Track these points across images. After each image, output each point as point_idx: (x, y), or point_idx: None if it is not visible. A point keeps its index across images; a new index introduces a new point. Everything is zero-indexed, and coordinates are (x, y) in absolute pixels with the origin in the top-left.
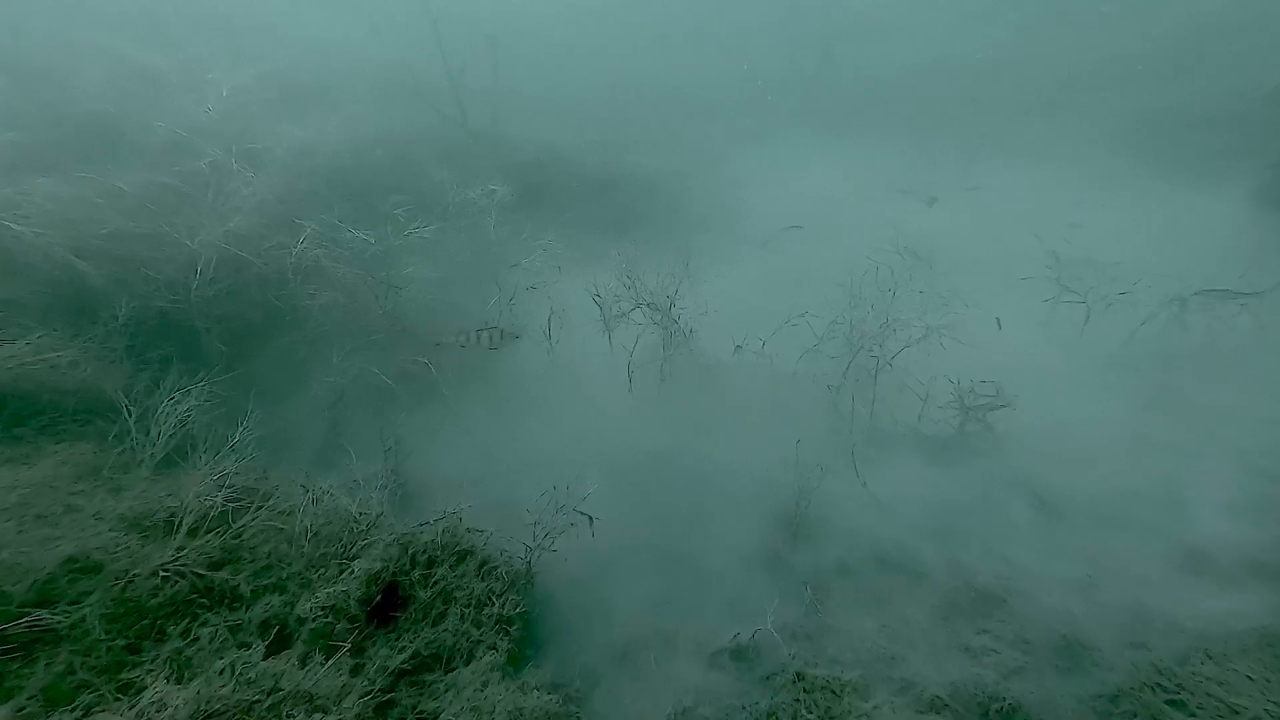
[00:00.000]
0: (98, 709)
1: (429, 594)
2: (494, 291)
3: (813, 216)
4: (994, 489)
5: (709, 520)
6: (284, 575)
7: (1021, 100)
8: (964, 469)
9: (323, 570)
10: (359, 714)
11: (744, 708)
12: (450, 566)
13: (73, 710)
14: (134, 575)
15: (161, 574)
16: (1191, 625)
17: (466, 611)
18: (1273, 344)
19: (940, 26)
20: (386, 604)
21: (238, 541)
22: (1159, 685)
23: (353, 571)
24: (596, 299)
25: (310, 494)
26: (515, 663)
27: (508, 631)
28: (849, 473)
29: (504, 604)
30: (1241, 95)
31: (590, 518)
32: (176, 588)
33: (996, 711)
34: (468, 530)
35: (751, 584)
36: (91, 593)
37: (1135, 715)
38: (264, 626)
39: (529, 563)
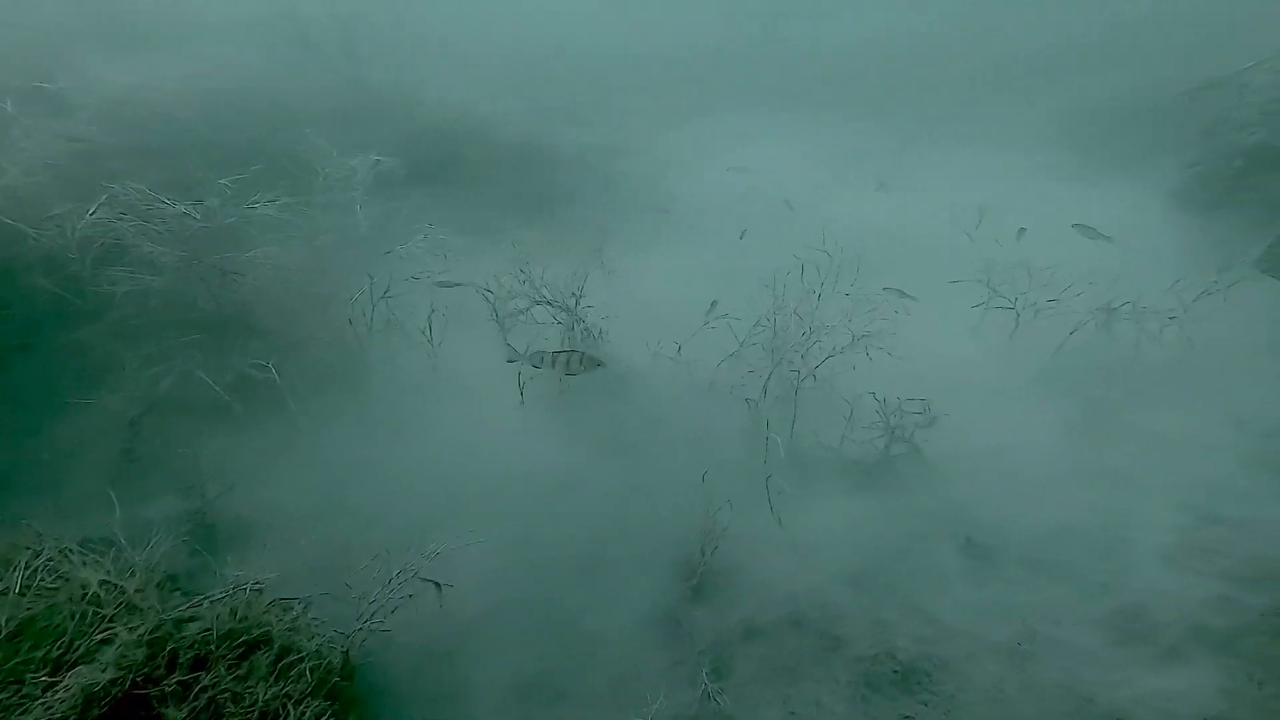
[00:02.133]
0: None
1: (184, 713)
2: (364, 281)
3: (749, 202)
4: (922, 524)
5: (602, 569)
6: None
7: (962, 87)
8: (890, 500)
9: (15, 689)
10: None
11: None
12: (230, 665)
13: None
14: None
15: None
16: (1134, 711)
17: None
18: (1201, 362)
19: (885, 8)
20: None
21: None
22: None
23: (57, 691)
24: (487, 294)
25: (37, 557)
26: None
27: None
28: (764, 507)
29: (304, 715)
30: (1164, 90)
31: (438, 585)
32: None
33: None
34: (271, 605)
35: (643, 655)
36: None
37: None
38: None
39: (345, 652)
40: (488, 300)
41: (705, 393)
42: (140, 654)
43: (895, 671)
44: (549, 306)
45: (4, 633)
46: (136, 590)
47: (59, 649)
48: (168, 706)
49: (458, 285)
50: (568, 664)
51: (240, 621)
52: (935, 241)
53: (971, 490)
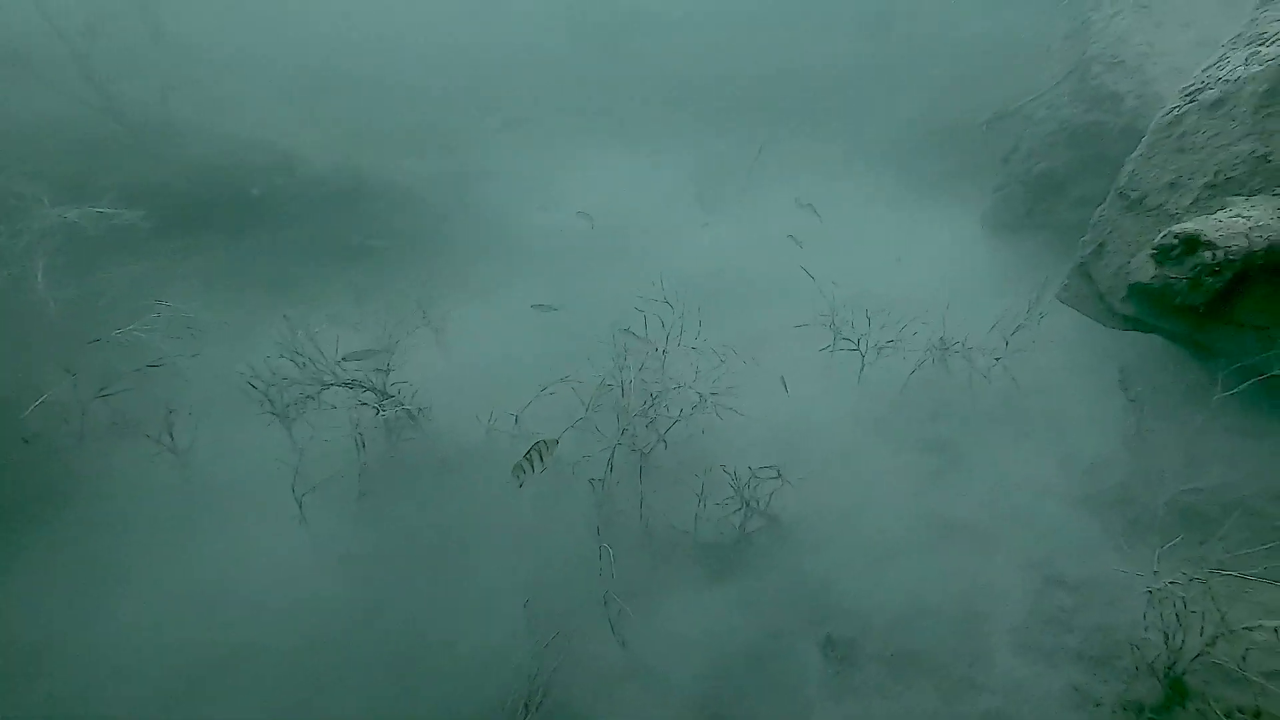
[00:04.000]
0: None
1: None
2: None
3: (595, 241)
4: (781, 619)
5: None
6: None
7: (797, 109)
8: (749, 587)
9: None
10: None
11: None
12: None
13: None
14: None
15: None
16: None
17: None
18: (1025, 400)
19: (724, 28)
20: None
21: None
22: None
23: None
24: (253, 384)
25: None
26: None
27: None
28: (606, 624)
29: None
30: (966, 118)
31: None
32: None
33: None
34: None
35: None
36: None
37: None
38: None
39: None
40: (255, 388)
41: (547, 474)
42: None
43: None
44: (348, 388)
45: None
46: None
47: None
48: None
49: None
50: None
51: None
52: (779, 279)
53: (830, 564)
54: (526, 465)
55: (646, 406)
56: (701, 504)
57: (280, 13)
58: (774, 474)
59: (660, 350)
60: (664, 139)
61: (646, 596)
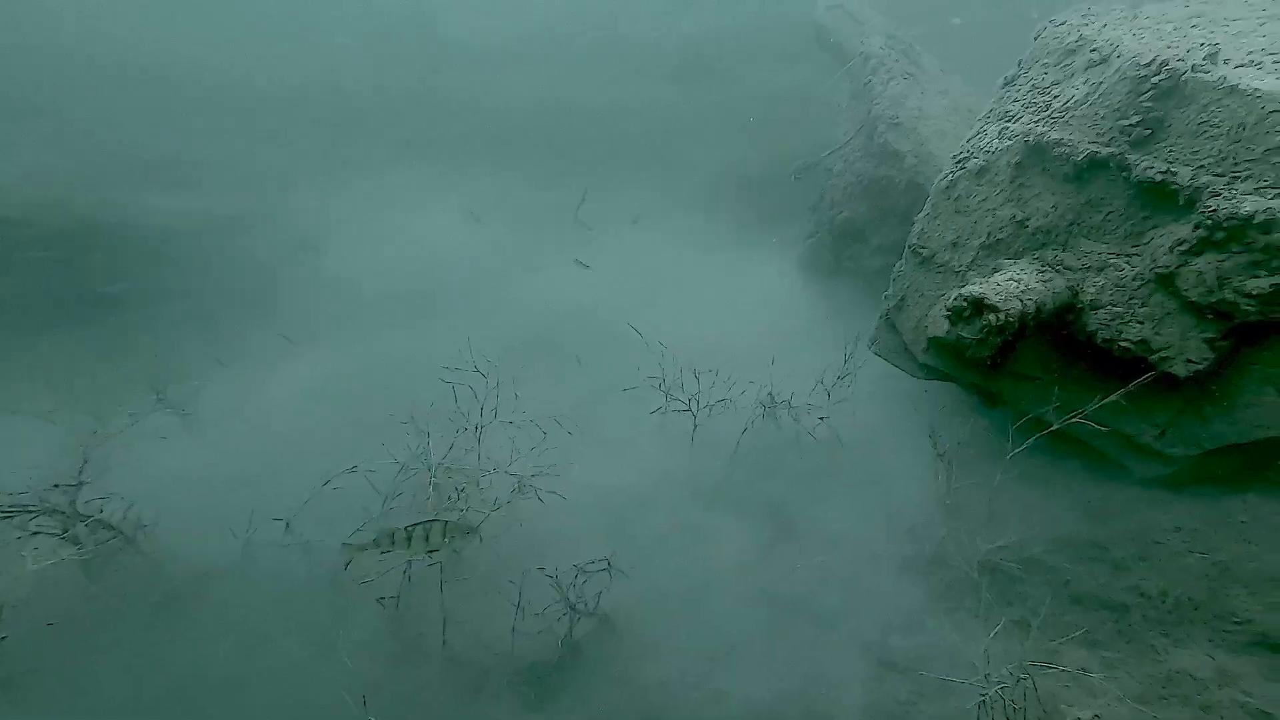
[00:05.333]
0: None
1: None
2: None
3: (395, 293)
4: None
5: None
6: None
7: (617, 152)
8: (572, 715)
9: None
10: None
11: None
12: None
13: None
14: None
15: None
16: None
17: None
18: (849, 457)
19: (538, 66)
20: None
21: None
22: None
23: None
24: None
25: None
26: None
27: None
28: None
29: None
30: (775, 166)
31: None
32: None
33: None
34: None
35: None
36: None
37: None
38: None
39: None
40: None
41: (326, 589)
42: None
43: None
44: (6, 518)
45: None
46: None
47: None
48: None
49: None
50: None
51: None
52: (606, 337)
53: (666, 671)
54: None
55: (453, 500)
56: (520, 614)
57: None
58: (603, 565)
59: (474, 428)
60: (479, 181)
61: None
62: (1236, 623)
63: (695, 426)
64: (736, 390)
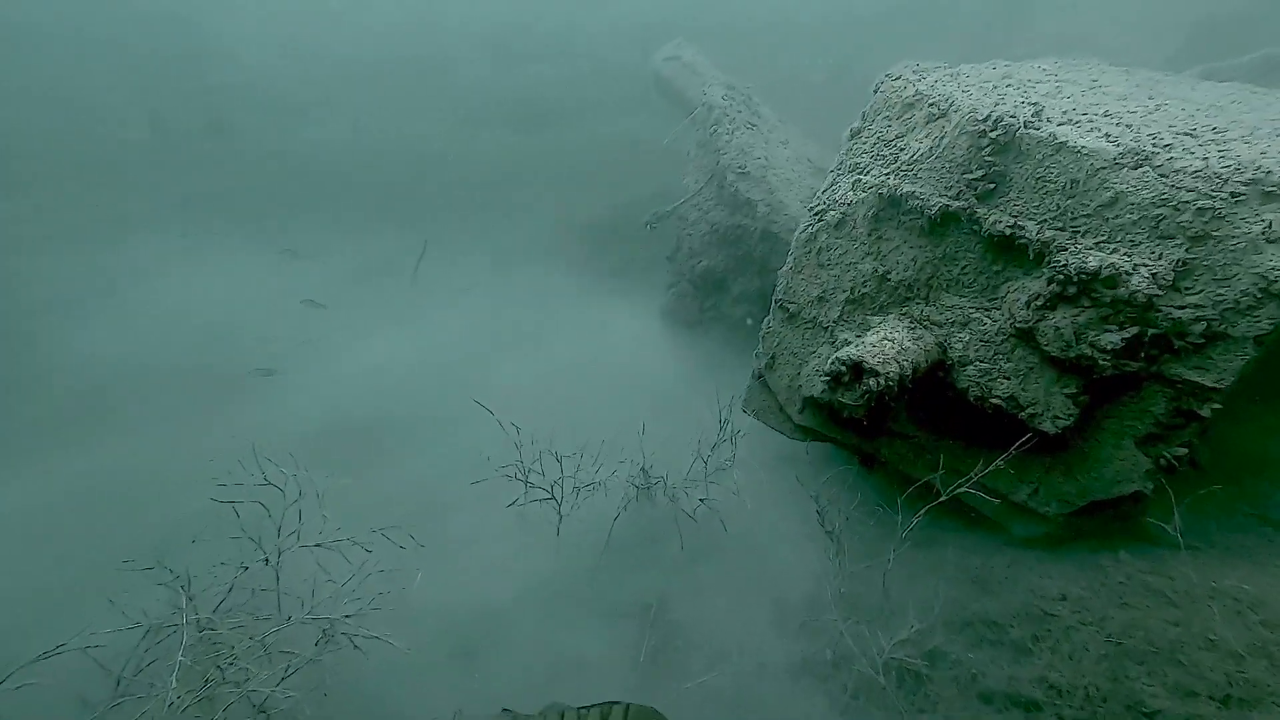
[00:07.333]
0: None
1: None
2: None
3: (177, 373)
4: None
5: None
6: None
7: (455, 203)
8: None
9: None
10: None
11: None
12: None
13: None
14: None
15: None
16: None
17: None
18: (734, 539)
19: (356, 112)
20: None
21: None
22: None
23: None
24: None
25: None
26: None
27: None
28: None
29: None
30: (630, 215)
31: None
32: None
33: None
34: None
35: None
36: None
37: None
38: None
39: None
40: None
41: None
42: None
43: None
44: None
45: None
46: None
47: None
48: None
49: None
50: None
51: None
52: (448, 415)
53: None
54: None
55: (222, 671)
56: None
57: None
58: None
59: (267, 560)
60: (288, 235)
61: None
62: (1147, 714)
63: (560, 518)
64: (606, 470)
